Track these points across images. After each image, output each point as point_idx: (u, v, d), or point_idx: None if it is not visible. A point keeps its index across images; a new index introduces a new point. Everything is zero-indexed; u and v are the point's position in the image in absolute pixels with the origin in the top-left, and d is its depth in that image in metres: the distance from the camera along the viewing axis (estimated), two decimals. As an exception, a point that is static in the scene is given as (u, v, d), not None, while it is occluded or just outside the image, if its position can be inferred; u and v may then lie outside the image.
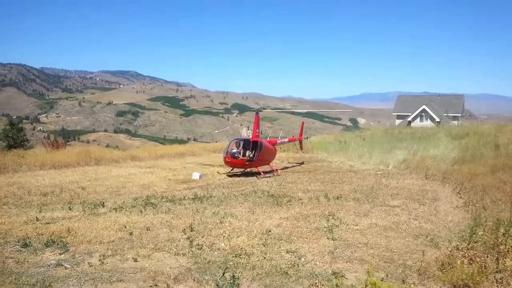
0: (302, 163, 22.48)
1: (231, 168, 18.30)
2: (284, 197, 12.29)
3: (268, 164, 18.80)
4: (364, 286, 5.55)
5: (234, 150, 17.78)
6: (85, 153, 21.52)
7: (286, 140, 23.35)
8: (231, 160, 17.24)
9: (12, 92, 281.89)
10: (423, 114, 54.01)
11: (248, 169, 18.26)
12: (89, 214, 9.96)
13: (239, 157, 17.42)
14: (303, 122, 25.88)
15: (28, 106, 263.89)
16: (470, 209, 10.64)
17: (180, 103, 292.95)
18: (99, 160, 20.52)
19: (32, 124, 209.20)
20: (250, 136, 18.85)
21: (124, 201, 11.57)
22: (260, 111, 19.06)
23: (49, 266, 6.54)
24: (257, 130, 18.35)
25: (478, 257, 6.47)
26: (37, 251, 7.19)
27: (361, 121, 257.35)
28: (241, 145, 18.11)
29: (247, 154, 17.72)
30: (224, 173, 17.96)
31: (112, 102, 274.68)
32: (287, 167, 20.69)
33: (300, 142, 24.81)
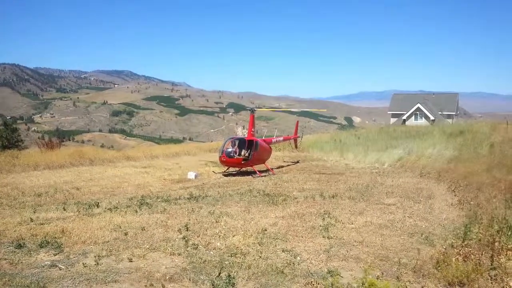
0: (298, 162, 22.51)
1: (226, 168, 18.28)
2: (279, 196, 12.29)
3: (264, 163, 18.80)
4: (361, 284, 5.56)
5: (230, 149, 17.77)
6: (79, 153, 21.40)
7: (281, 139, 23.38)
8: (226, 159, 17.22)
9: (6, 92, 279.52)
10: (418, 112, 54.25)
11: (244, 168, 18.25)
12: (83, 215, 9.90)
13: (234, 156, 17.41)
14: (297, 121, 26.05)
15: (22, 106, 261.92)
16: (465, 207, 10.70)
17: (176, 102, 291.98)
18: (93, 160, 20.43)
19: (26, 125, 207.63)
20: (246, 135, 18.84)
21: (119, 201, 11.52)
22: (255, 110, 19.08)
23: (43, 267, 6.49)
24: (252, 129, 18.34)
25: (473, 255, 6.49)
26: (31, 252, 7.13)
27: (356, 119, 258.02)
28: (237, 144, 18.11)
29: (242, 153, 17.72)
30: (220, 173, 17.94)
31: (107, 102, 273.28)
32: (282, 166, 20.71)
33: (295, 141, 24.85)
